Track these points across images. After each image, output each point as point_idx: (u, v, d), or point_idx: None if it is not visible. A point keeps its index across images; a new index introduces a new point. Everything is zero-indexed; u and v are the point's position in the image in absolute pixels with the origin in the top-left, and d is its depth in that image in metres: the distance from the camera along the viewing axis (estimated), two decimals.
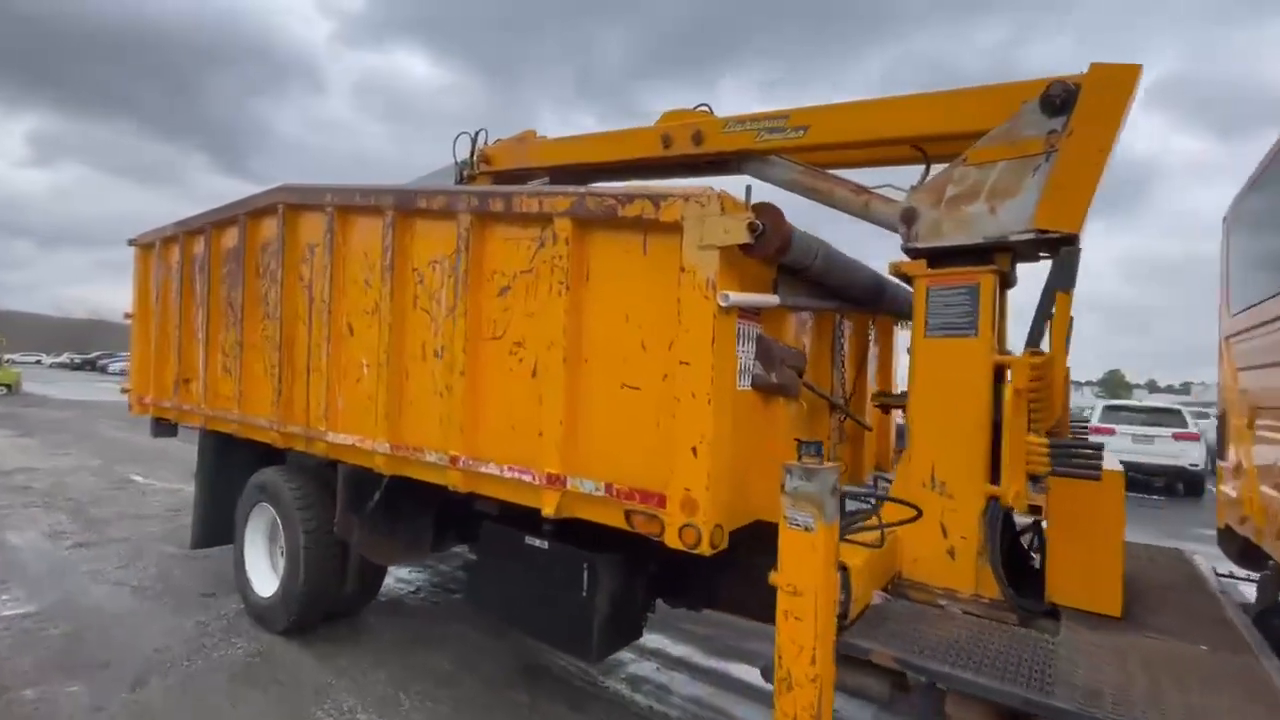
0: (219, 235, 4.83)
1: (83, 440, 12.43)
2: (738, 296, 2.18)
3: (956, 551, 2.51)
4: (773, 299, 2.45)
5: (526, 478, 2.71)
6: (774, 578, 1.96)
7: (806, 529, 1.92)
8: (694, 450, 2.20)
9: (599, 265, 2.60)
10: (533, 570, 3.08)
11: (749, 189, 2.27)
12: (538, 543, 3.09)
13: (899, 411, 3.97)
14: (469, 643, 4.16)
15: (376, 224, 3.48)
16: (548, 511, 2.63)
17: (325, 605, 4.11)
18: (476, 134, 4.86)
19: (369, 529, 3.76)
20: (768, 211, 2.24)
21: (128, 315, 6.01)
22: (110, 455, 10.72)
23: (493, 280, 2.95)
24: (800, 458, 1.99)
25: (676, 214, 2.28)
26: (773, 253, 2.28)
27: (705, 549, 2.20)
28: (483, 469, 2.88)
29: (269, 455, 5.09)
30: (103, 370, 43.44)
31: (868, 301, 3.36)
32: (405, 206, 3.30)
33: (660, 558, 3.21)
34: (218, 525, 5.04)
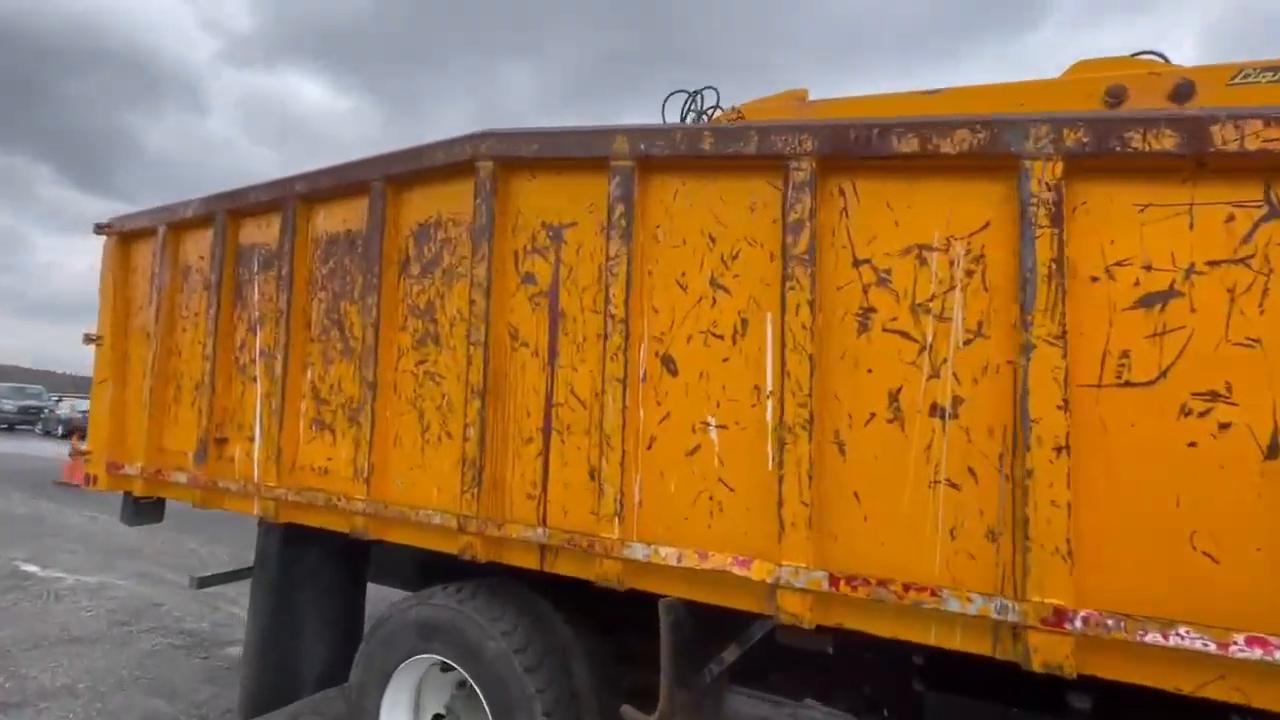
0: (309, 214, 3.11)
1: None
2: None
3: None
4: None
5: None
6: None
7: None
8: None
9: None
10: None
11: None
12: None
13: None
14: None
15: (752, 187, 2.04)
16: None
17: None
18: (697, 93, 3.52)
19: (695, 706, 2.20)
20: None
21: (91, 338, 3.96)
22: None
23: (1113, 280, 1.62)
24: None
25: None
26: None
27: None
28: (1170, 638, 1.48)
29: (355, 559, 3.39)
30: None
31: None
32: (854, 153, 1.90)
33: None
34: (287, 675, 3.17)
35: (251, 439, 3.20)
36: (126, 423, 3.81)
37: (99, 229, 3.99)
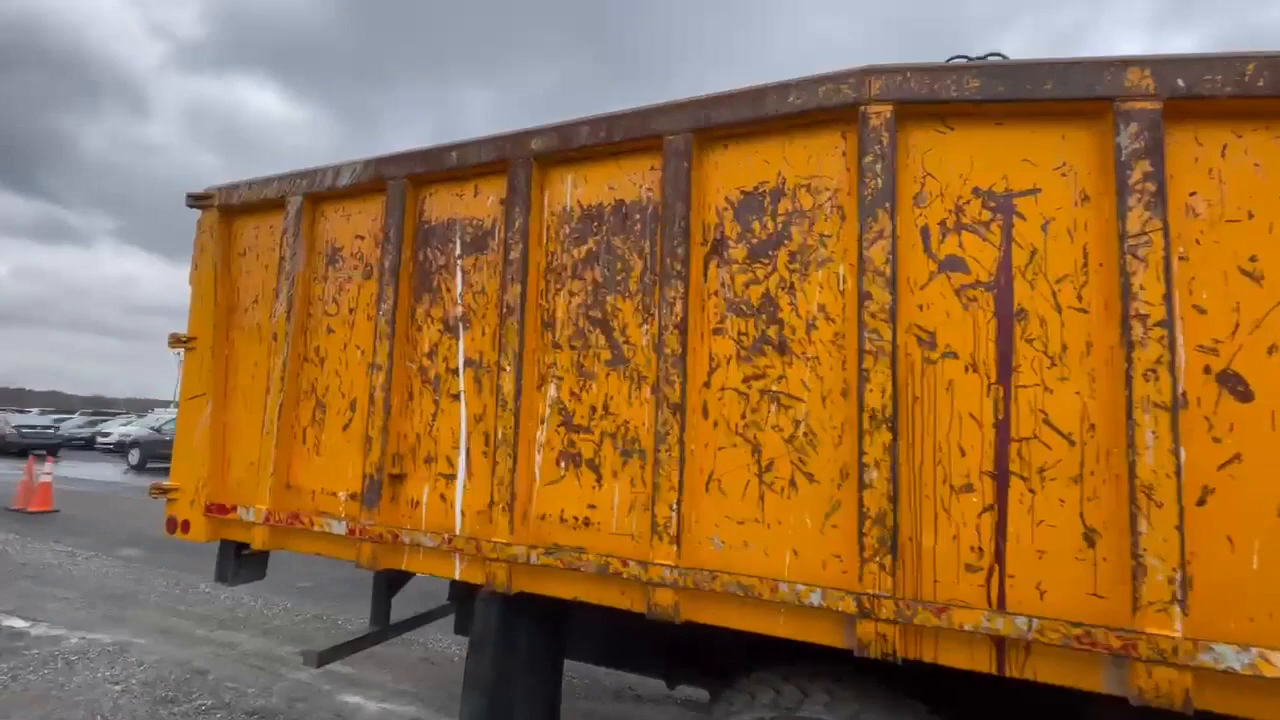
0: (546, 180, 2.37)
1: None
2: None
3: None
4: None
5: None
6: None
7: None
8: None
9: None
10: None
11: None
12: None
13: None
14: None
15: None
16: None
17: None
18: (983, 60, 2.93)
19: None
20: None
21: (181, 340, 3.06)
22: None
23: None
24: None
25: None
26: None
27: None
28: None
29: (559, 631, 2.67)
30: None
31: None
32: None
33: None
34: None
35: (451, 476, 2.41)
36: (230, 452, 2.93)
37: (193, 200, 3.12)
